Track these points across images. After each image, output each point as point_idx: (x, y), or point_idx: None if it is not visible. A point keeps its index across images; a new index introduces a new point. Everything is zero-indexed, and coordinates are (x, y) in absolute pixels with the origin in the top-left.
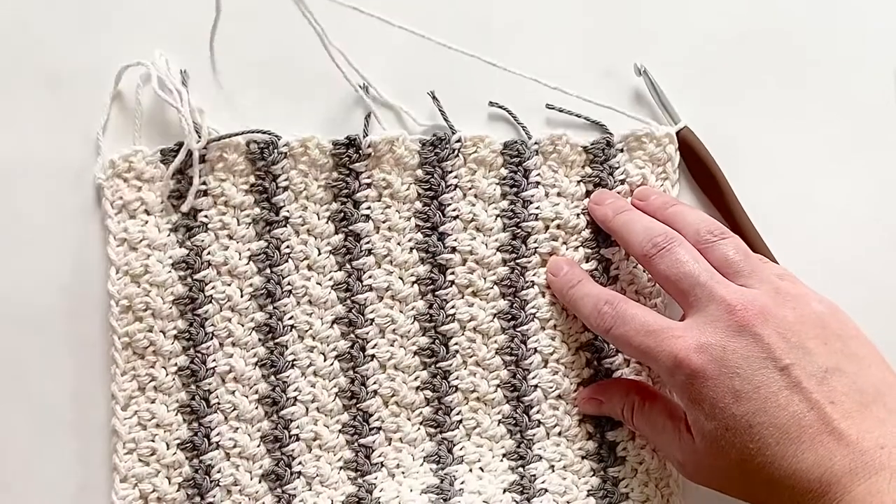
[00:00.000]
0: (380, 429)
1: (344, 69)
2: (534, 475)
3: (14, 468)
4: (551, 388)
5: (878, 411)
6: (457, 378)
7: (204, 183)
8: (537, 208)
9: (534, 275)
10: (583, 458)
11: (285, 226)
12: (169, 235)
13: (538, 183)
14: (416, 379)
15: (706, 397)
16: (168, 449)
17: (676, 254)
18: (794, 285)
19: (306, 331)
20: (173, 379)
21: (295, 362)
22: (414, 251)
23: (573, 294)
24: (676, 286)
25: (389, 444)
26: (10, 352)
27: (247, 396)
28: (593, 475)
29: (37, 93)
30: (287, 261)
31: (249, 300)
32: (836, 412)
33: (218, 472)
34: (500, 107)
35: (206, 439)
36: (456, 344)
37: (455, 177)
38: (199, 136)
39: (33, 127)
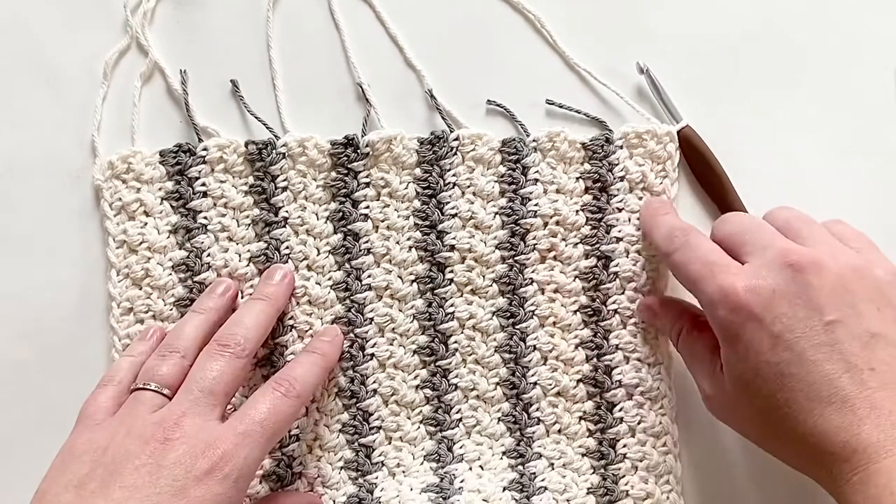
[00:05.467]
0: (380, 428)
1: (344, 68)
2: (533, 473)
3: (14, 468)
4: (550, 385)
5: None
6: (456, 376)
7: (203, 184)
8: (536, 205)
9: (533, 272)
10: (582, 455)
11: (284, 226)
12: (168, 237)
13: (537, 180)
14: (415, 377)
15: (743, 338)
16: None
17: (744, 215)
18: (865, 251)
19: (306, 331)
20: None
21: None
22: (413, 250)
23: (657, 220)
24: (738, 238)
25: (389, 444)
26: (10, 352)
27: (247, 397)
28: (593, 473)
29: (37, 93)
30: (286, 261)
31: None
32: (873, 380)
33: None
34: (498, 105)
35: None
36: (455, 342)
37: (453, 175)
38: (201, 138)
39: (32, 127)
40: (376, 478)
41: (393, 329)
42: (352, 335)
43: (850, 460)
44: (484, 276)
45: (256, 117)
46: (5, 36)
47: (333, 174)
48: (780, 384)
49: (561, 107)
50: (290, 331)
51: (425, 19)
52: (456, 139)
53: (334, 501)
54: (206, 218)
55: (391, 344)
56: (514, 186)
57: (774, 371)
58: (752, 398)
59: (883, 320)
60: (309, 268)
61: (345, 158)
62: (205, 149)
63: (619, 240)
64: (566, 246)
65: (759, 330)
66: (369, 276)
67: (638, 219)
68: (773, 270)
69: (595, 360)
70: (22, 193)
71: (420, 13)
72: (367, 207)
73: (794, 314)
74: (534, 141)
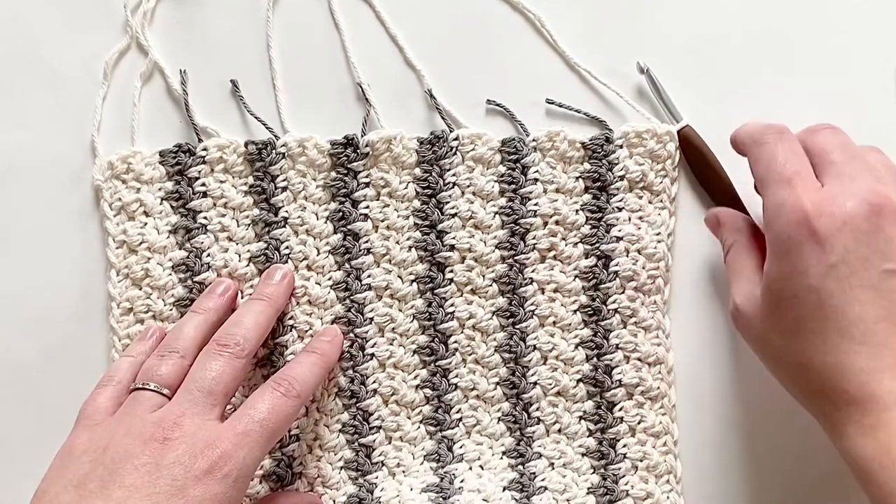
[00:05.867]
0: (380, 428)
1: (344, 67)
2: (533, 473)
3: (14, 468)
4: (550, 384)
5: None
6: (456, 376)
7: (203, 184)
8: (536, 205)
9: (532, 271)
10: (583, 455)
11: (284, 226)
12: (168, 237)
13: (536, 179)
14: (415, 377)
15: (794, 257)
16: None
17: (842, 135)
18: None
19: (306, 331)
20: None
21: None
22: (413, 249)
23: (753, 122)
24: (827, 156)
25: (389, 443)
26: (10, 352)
27: (247, 397)
28: (593, 472)
29: (37, 93)
30: (286, 261)
31: None
32: None
33: None
34: (498, 105)
35: None
36: (455, 342)
37: (453, 175)
38: (200, 139)
39: (32, 127)
40: (376, 478)
41: (393, 329)
42: (352, 335)
43: (864, 403)
44: (484, 276)
45: (256, 117)
46: (5, 36)
47: (333, 174)
48: (815, 312)
49: (561, 106)
50: (290, 331)
51: (425, 19)
52: (455, 139)
53: (334, 501)
54: (205, 218)
55: (391, 344)
56: (513, 186)
57: (815, 298)
58: (782, 317)
59: None
60: (309, 268)
61: (344, 158)
62: (204, 149)
63: (619, 239)
64: (566, 245)
65: (815, 254)
66: (369, 276)
67: (639, 217)
68: (852, 201)
69: (595, 359)
70: (22, 193)
71: (420, 13)
72: (367, 207)
73: (856, 250)
74: (533, 140)
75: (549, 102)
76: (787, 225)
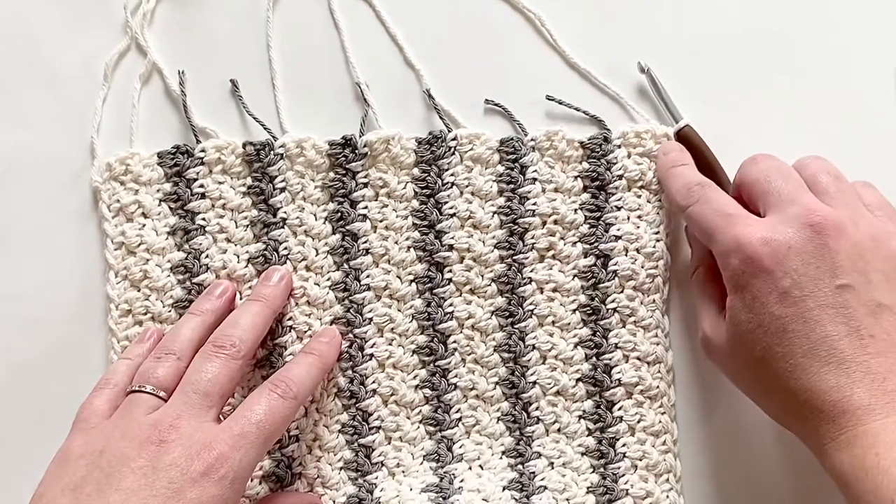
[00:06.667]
0: (379, 428)
1: (344, 67)
2: (533, 472)
3: (14, 468)
4: (549, 384)
5: None
6: (455, 376)
7: (202, 186)
8: (534, 204)
9: (531, 271)
10: (582, 454)
11: (283, 227)
12: (167, 239)
13: (535, 179)
14: (414, 377)
15: (752, 289)
16: None
17: (775, 160)
18: (885, 220)
19: (305, 331)
20: None
21: None
22: (411, 250)
23: (673, 171)
24: (763, 185)
25: (389, 444)
26: (10, 352)
27: (245, 398)
28: (593, 472)
29: (37, 93)
30: (285, 262)
31: None
32: (872, 347)
33: None
34: (497, 104)
35: None
36: (454, 342)
37: (451, 174)
38: (199, 140)
39: (32, 127)
40: (376, 478)
41: (392, 329)
42: (351, 335)
43: (838, 420)
44: (483, 276)
45: (254, 118)
46: (5, 36)
47: (332, 175)
48: (779, 338)
49: (560, 103)
50: (289, 331)
51: (425, 19)
52: (454, 139)
53: (334, 502)
54: (204, 219)
55: (390, 344)
56: (512, 186)
57: (777, 325)
58: (750, 348)
59: (891, 291)
60: (307, 268)
61: (343, 159)
62: (203, 150)
63: (617, 238)
64: (565, 245)
65: (769, 283)
66: (368, 277)
67: (638, 217)
68: (792, 227)
69: (594, 358)
70: (21, 194)
71: (420, 13)
72: (366, 208)
73: (805, 272)
74: (532, 140)
75: (548, 99)
76: (736, 262)
